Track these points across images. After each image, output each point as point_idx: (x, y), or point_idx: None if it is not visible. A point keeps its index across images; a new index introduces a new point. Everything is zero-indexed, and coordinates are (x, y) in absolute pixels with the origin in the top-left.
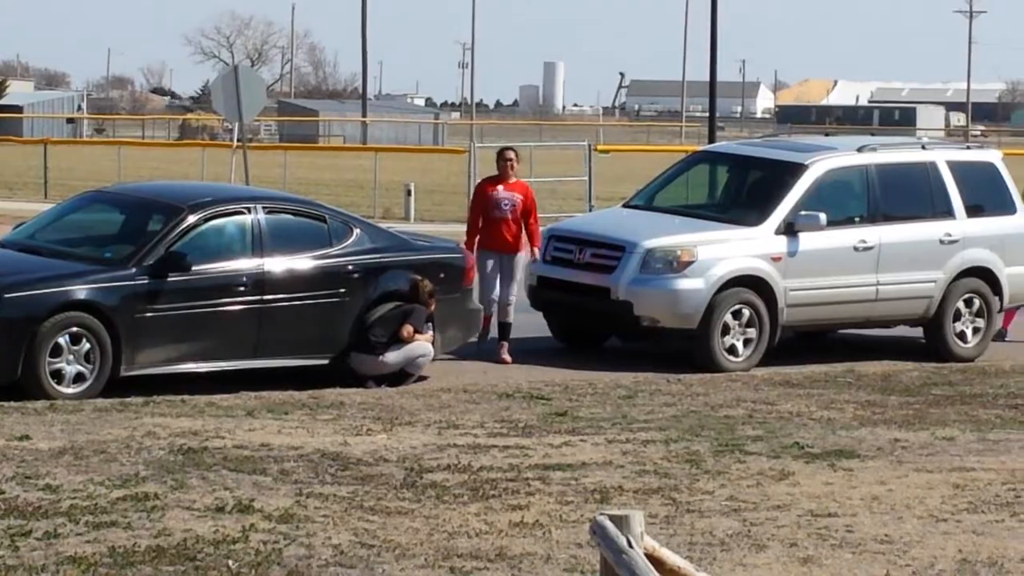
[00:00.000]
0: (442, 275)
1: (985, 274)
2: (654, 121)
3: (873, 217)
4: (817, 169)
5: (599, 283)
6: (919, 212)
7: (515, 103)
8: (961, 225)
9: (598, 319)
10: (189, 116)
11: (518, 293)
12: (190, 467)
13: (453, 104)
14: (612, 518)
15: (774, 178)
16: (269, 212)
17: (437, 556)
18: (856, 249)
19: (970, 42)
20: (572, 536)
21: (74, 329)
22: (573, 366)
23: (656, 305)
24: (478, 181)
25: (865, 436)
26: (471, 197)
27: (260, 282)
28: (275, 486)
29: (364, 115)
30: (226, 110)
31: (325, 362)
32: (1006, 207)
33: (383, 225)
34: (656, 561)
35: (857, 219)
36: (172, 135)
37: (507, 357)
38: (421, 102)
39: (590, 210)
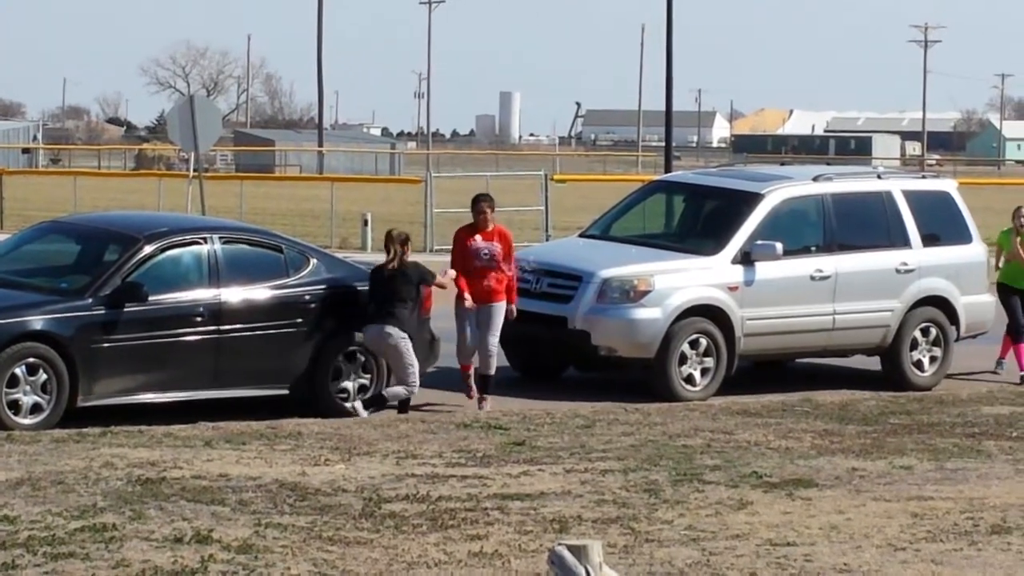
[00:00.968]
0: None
1: (941, 303)
2: (610, 151)
3: (829, 246)
4: (773, 198)
5: (556, 312)
6: (875, 241)
7: (471, 133)
8: (917, 254)
9: (555, 349)
10: (145, 146)
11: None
12: (148, 498)
13: (409, 134)
14: (570, 548)
15: (730, 207)
16: (226, 242)
17: None
18: (812, 278)
19: (925, 72)
20: (531, 566)
21: (30, 359)
22: (531, 396)
23: (613, 335)
24: (456, 229)
25: (823, 465)
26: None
27: (217, 312)
28: (233, 516)
29: (320, 145)
30: (182, 140)
31: (283, 392)
32: (962, 236)
33: (340, 255)
34: None
35: (813, 248)
36: (128, 165)
37: (486, 408)
38: (377, 132)
39: (547, 240)
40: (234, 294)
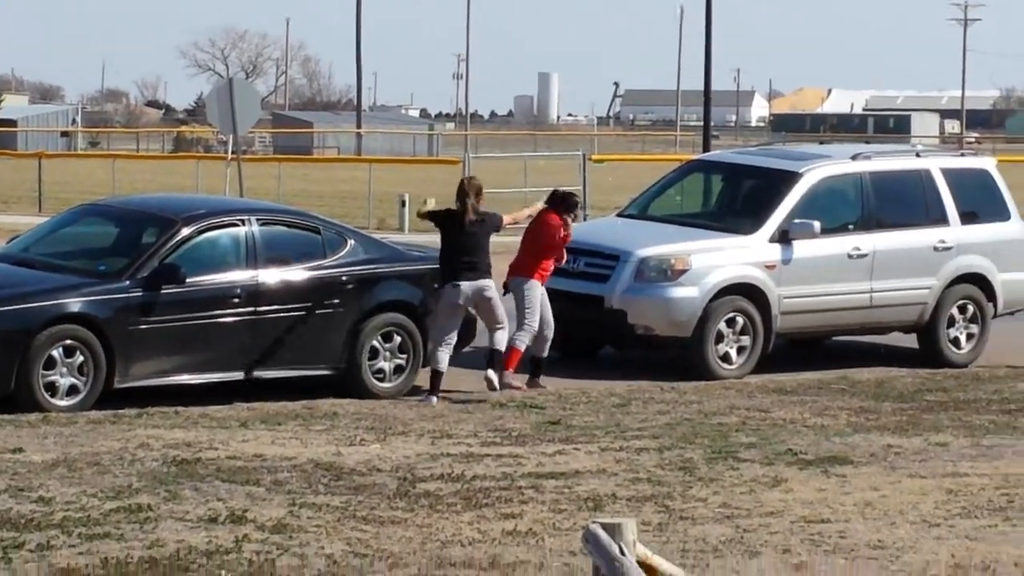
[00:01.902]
0: (436, 285)
1: (979, 280)
2: (649, 130)
3: (867, 224)
4: (811, 177)
5: (593, 292)
6: (913, 219)
7: (510, 113)
8: (955, 232)
9: (592, 328)
10: (184, 129)
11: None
12: (183, 478)
13: (448, 115)
14: (605, 526)
15: (768, 186)
16: (263, 224)
17: (430, 565)
18: (850, 256)
19: (964, 50)
20: (565, 544)
21: (68, 342)
22: (567, 375)
23: (650, 314)
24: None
25: (858, 442)
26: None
27: (254, 294)
28: (268, 496)
29: (359, 127)
30: (221, 122)
31: (319, 373)
32: (1000, 214)
33: (377, 236)
34: (649, 569)
35: (851, 226)
36: (167, 148)
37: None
38: (416, 113)
39: (584, 219)
40: (271, 275)
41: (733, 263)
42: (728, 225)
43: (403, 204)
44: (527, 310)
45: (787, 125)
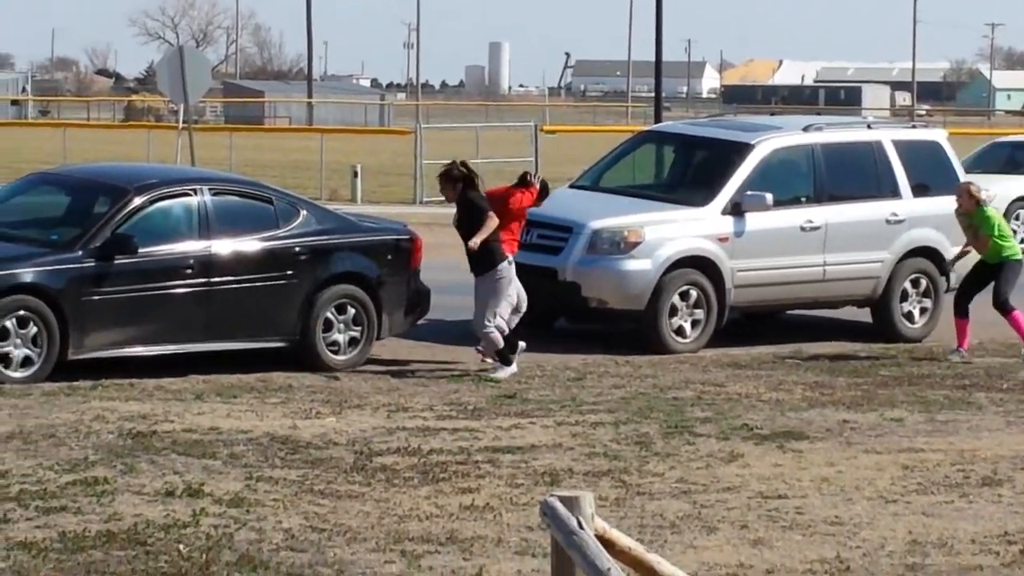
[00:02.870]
0: (390, 257)
1: (931, 254)
2: (600, 101)
3: (819, 197)
4: (763, 149)
5: (546, 264)
6: (865, 192)
7: (461, 84)
8: (907, 205)
9: (546, 300)
10: (134, 98)
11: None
12: (139, 451)
13: (399, 85)
14: (562, 499)
15: (720, 158)
16: (216, 194)
17: (388, 540)
18: (803, 229)
19: (915, 21)
20: (523, 519)
21: (21, 312)
22: None
23: (603, 286)
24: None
25: (814, 417)
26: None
27: (207, 264)
28: (225, 470)
29: (310, 96)
30: (171, 91)
31: (273, 344)
32: (951, 187)
33: (330, 207)
34: (607, 543)
35: (803, 199)
36: (117, 117)
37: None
38: (367, 83)
39: None
40: (224, 246)
41: (686, 235)
42: (681, 197)
43: (355, 175)
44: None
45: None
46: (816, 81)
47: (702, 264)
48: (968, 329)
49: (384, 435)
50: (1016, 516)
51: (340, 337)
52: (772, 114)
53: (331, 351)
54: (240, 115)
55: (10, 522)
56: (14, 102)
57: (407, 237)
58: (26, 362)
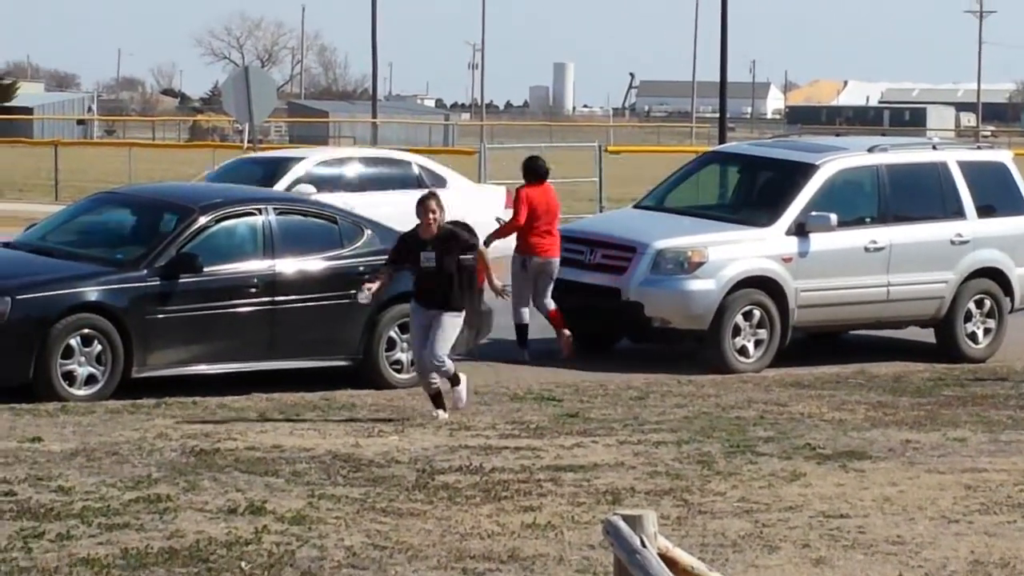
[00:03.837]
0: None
1: (996, 275)
2: (664, 122)
3: (884, 218)
4: (828, 169)
5: (610, 284)
6: (930, 213)
7: (525, 104)
8: (972, 225)
9: (609, 320)
10: (199, 117)
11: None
12: (202, 469)
13: (463, 105)
14: (625, 518)
15: (785, 179)
16: (280, 213)
17: (450, 558)
18: (867, 250)
19: (980, 42)
20: (584, 537)
21: (85, 331)
22: (584, 368)
23: (667, 306)
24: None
25: (876, 437)
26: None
27: (271, 283)
28: (287, 488)
29: (374, 116)
30: (237, 111)
31: (337, 363)
32: (1017, 207)
33: (394, 226)
34: (669, 561)
35: (868, 220)
36: (183, 136)
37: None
38: (431, 103)
39: (600, 211)
40: (288, 265)
41: (750, 256)
42: (744, 217)
43: None
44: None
45: (802, 117)
46: (881, 102)
47: (766, 284)
48: None
49: (446, 453)
50: None
51: (403, 356)
52: (837, 135)
53: (394, 370)
54: (305, 135)
55: (73, 539)
56: (80, 122)
57: (470, 257)
58: (90, 380)
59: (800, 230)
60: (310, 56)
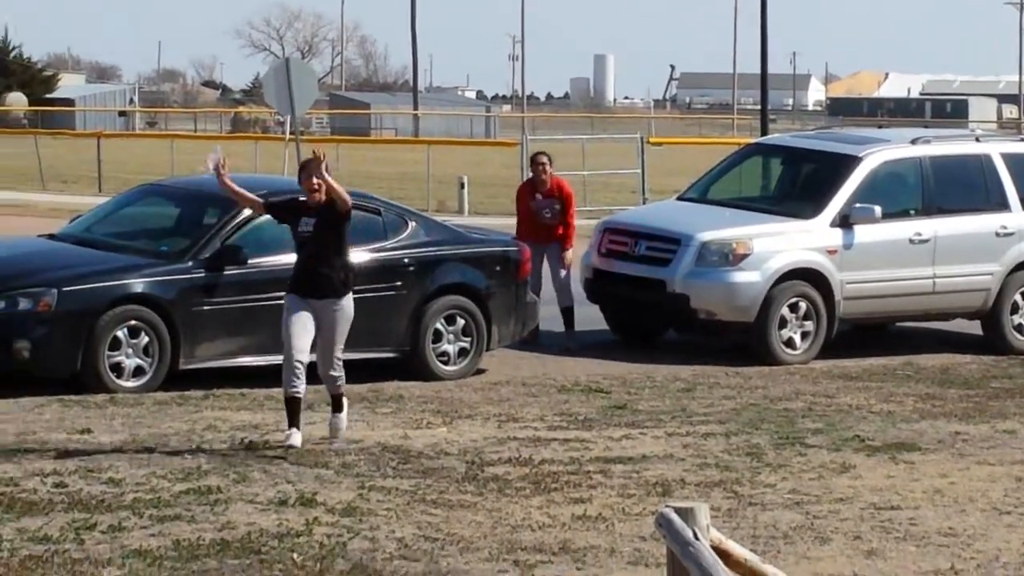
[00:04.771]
0: (498, 268)
1: None
2: (705, 114)
3: (928, 210)
4: (871, 161)
5: (655, 276)
6: (974, 205)
7: (566, 95)
8: (1017, 217)
9: (654, 312)
10: (241, 109)
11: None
12: (252, 460)
13: (504, 97)
14: (678, 510)
15: (828, 170)
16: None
17: (501, 549)
18: (912, 242)
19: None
20: (635, 529)
21: (132, 322)
22: (631, 359)
23: (712, 298)
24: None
25: (925, 429)
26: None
27: None
28: (337, 479)
29: (415, 108)
30: (278, 103)
31: (383, 355)
32: None
33: (437, 218)
34: (723, 553)
35: (912, 211)
36: (224, 128)
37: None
38: (472, 95)
39: (643, 203)
40: None
41: (794, 248)
42: (788, 209)
43: (462, 186)
44: None
45: (844, 109)
46: (922, 94)
47: (811, 276)
48: None
49: (495, 445)
50: None
51: (450, 348)
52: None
53: (441, 361)
54: (346, 127)
55: (125, 530)
56: (121, 113)
57: (515, 248)
58: (138, 372)
59: (844, 222)
60: (350, 48)
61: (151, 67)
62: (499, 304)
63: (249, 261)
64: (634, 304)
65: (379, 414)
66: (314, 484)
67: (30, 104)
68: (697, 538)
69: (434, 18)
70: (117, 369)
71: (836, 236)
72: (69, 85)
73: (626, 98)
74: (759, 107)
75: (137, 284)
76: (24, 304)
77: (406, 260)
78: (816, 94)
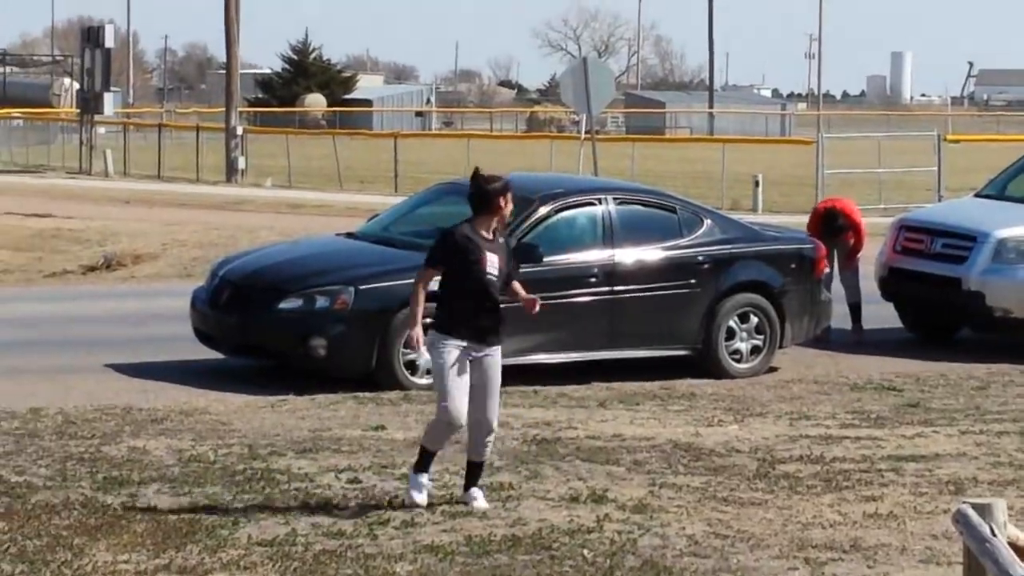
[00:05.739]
0: (793, 266)
1: None
2: (1003, 111)
3: None
4: None
5: (950, 273)
6: None
7: (862, 93)
8: None
9: (949, 310)
10: (537, 109)
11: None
12: (543, 457)
13: (800, 95)
14: (975, 507)
15: None
16: (620, 203)
17: (791, 547)
18: None
19: None
20: (927, 527)
21: None
22: (925, 357)
23: (1009, 296)
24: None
25: None
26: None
27: (611, 273)
28: (628, 476)
29: (711, 106)
30: (575, 102)
31: (677, 353)
32: None
33: (732, 216)
34: (1020, 551)
35: None
36: (520, 128)
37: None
38: (767, 93)
39: (939, 200)
40: (628, 255)
41: None
42: None
43: (756, 184)
44: None
45: None
46: None
47: None
48: None
49: (787, 443)
50: None
51: (743, 345)
52: None
53: (733, 359)
54: (641, 125)
55: (417, 526)
56: (418, 114)
57: (811, 246)
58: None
59: None
60: (646, 47)
61: (448, 67)
62: (793, 302)
63: (544, 259)
64: (929, 302)
65: (671, 411)
66: (605, 481)
67: (329, 105)
68: (994, 535)
69: (731, 17)
70: (411, 366)
71: None
72: (367, 86)
73: (923, 95)
74: None
75: None
76: (321, 302)
77: (700, 258)
78: None
